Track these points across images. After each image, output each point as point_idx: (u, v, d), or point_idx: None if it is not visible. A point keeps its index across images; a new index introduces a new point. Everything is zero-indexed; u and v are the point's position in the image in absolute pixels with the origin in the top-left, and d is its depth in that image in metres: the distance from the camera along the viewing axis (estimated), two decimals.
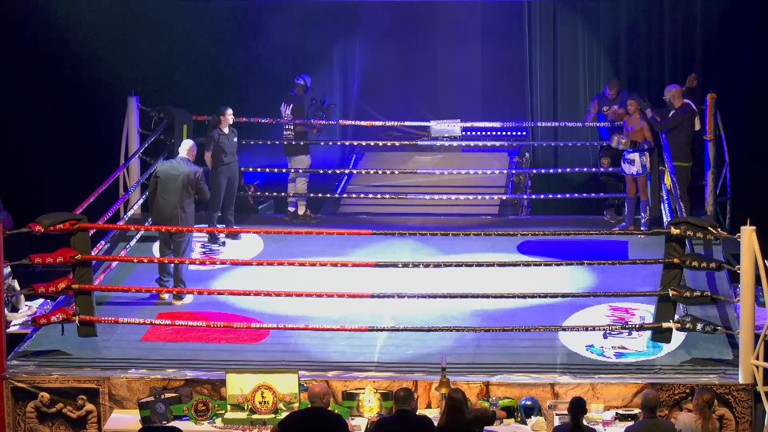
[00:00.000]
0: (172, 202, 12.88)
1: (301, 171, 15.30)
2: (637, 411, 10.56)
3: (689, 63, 16.12)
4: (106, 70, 16.30)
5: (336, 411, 10.28)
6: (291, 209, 15.41)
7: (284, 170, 15.39)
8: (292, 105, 15.28)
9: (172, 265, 12.80)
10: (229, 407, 10.97)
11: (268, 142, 15.60)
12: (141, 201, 14.50)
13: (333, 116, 15.64)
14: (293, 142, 15.23)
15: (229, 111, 14.52)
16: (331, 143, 15.59)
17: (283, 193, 15.62)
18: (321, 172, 15.50)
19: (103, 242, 13.61)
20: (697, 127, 14.67)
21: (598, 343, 11.80)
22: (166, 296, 12.78)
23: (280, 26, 17.40)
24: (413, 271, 12.33)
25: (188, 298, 12.80)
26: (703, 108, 14.65)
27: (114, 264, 13.31)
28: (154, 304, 12.71)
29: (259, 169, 15.87)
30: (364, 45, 18.00)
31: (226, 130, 14.51)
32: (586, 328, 11.78)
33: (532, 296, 11.84)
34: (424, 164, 16.43)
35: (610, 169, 14.72)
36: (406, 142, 16.38)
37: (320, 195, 15.63)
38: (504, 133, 17.09)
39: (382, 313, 12.30)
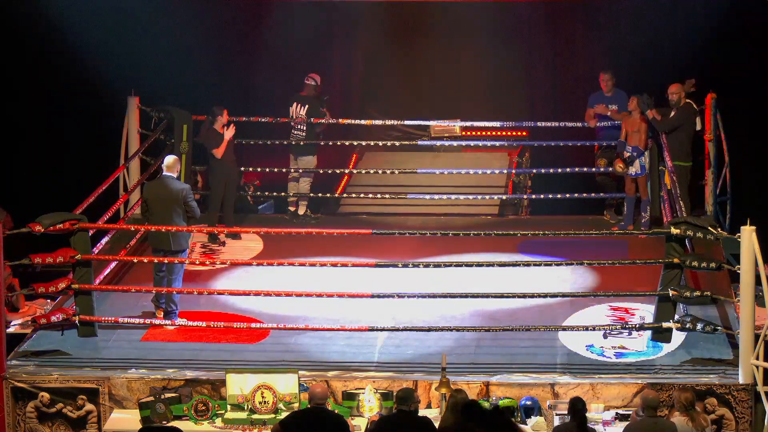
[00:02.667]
0: (163, 223, 12.50)
1: (301, 171, 15.31)
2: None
3: (689, 63, 16.10)
4: (106, 70, 16.30)
5: (336, 411, 10.28)
6: (292, 209, 15.42)
7: (290, 170, 15.38)
8: (308, 106, 15.25)
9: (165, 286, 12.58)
10: (229, 407, 10.97)
11: (268, 142, 15.59)
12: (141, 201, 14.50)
13: (331, 110, 15.65)
14: (301, 143, 15.25)
15: (224, 112, 14.52)
16: (330, 143, 15.57)
17: (283, 193, 15.62)
18: (321, 171, 15.50)
19: (103, 242, 13.62)
20: (698, 126, 14.67)
21: (598, 343, 11.80)
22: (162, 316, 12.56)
23: (280, 26, 17.40)
24: (413, 271, 12.34)
25: (179, 321, 12.41)
26: (703, 108, 14.66)
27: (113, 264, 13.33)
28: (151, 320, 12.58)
29: (258, 169, 15.88)
30: (365, 45, 17.99)
31: (220, 130, 14.51)
32: (586, 328, 11.78)
33: (532, 296, 11.84)
34: (424, 164, 16.42)
35: (610, 169, 14.70)
36: (406, 142, 16.37)
37: (320, 195, 15.62)
38: (504, 133, 17.08)
39: (382, 313, 12.31)
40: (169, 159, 12.86)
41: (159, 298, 12.45)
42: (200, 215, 14.00)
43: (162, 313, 12.39)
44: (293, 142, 15.34)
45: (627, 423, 10.29)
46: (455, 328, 11.93)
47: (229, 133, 14.47)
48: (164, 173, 12.79)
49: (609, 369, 11.37)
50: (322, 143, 15.45)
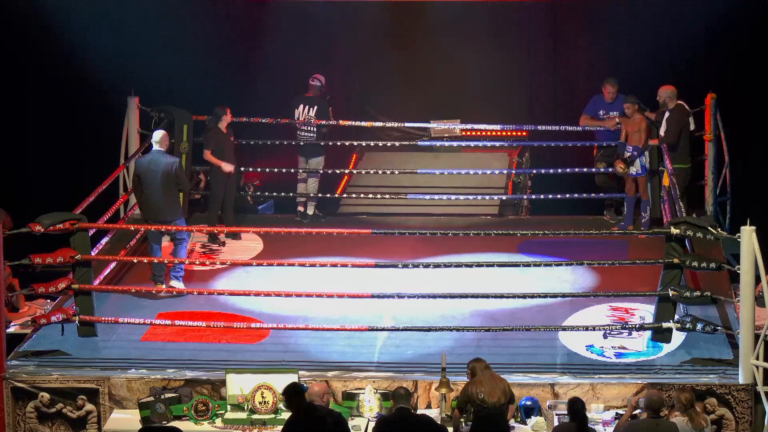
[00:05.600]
0: (157, 197, 13.03)
1: (302, 171, 15.31)
2: (637, 411, 10.55)
3: (689, 63, 16.12)
4: (106, 70, 16.30)
5: (336, 411, 10.27)
6: (301, 209, 15.42)
7: (299, 170, 15.40)
8: (316, 107, 15.24)
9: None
10: (229, 407, 10.97)
11: (268, 143, 15.59)
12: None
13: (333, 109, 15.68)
14: (321, 143, 15.26)
15: (228, 111, 14.53)
16: (331, 143, 15.57)
17: (282, 193, 15.62)
18: (321, 171, 15.49)
19: (103, 242, 13.62)
20: (691, 126, 14.67)
21: (598, 343, 11.80)
22: (163, 293, 12.81)
23: (280, 26, 17.40)
24: (413, 271, 12.34)
25: (180, 285, 12.82)
26: (702, 108, 14.65)
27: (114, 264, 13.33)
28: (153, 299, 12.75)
29: (258, 169, 15.88)
30: (365, 45, 17.98)
31: (224, 130, 14.52)
32: (586, 328, 11.78)
33: (532, 296, 11.85)
34: (424, 164, 16.41)
35: (610, 169, 14.68)
36: (406, 142, 16.37)
37: (320, 195, 15.62)
38: (504, 133, 17.07)
39: (382, 313, 12.31)
40: (158, 134, 13.29)
41: (158, 272, 12.90)
42: (200, 215, 14.13)
43: (161, 290, 12.68)
44: (301, 143, 15.32)
45: (620, 420, 10.33)
46: (455, 328, 11.93)
47: (227, 167, 14.38)
48: (154, 148, 13.19)
49: (609, 369, 11.37)
50: (322, 143, 15.44)
